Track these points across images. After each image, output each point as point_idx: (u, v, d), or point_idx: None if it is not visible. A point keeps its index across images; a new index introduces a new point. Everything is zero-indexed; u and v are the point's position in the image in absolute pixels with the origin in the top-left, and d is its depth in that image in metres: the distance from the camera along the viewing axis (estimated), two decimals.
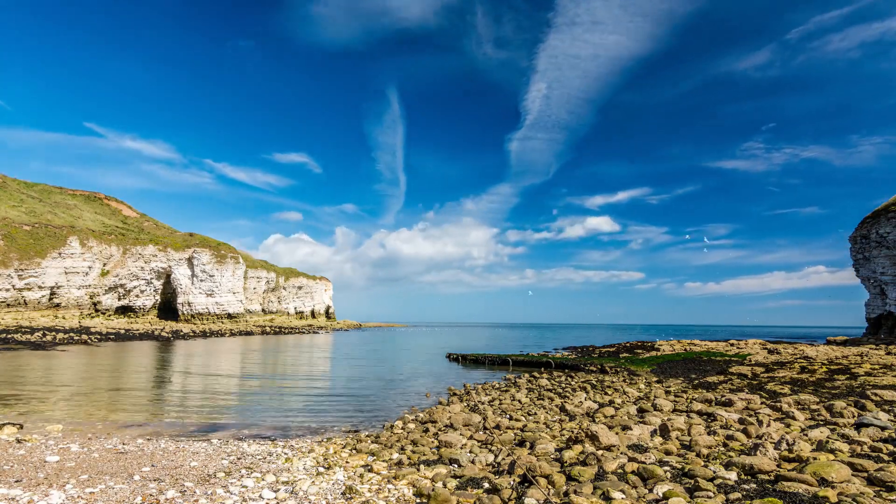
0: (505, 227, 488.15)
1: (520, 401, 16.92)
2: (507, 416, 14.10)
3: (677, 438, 10.24)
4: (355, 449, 10.30)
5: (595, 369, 29.09)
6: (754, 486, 6.86)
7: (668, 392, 18.53)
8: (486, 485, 7.40)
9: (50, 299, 69.73)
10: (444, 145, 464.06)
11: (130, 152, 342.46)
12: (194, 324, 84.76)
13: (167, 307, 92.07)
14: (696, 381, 21.40)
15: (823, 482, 6.76)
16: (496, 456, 9.14)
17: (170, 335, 60.61)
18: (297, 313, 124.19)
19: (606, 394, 18.55)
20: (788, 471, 7.24)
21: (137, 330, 65.63)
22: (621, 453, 8.80)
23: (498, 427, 12.24)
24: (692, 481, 7.02)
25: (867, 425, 10.44)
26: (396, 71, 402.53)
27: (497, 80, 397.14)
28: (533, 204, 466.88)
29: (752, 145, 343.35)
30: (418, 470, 8.43)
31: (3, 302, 63.53)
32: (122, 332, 60.74)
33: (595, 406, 14.83)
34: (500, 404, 16.19)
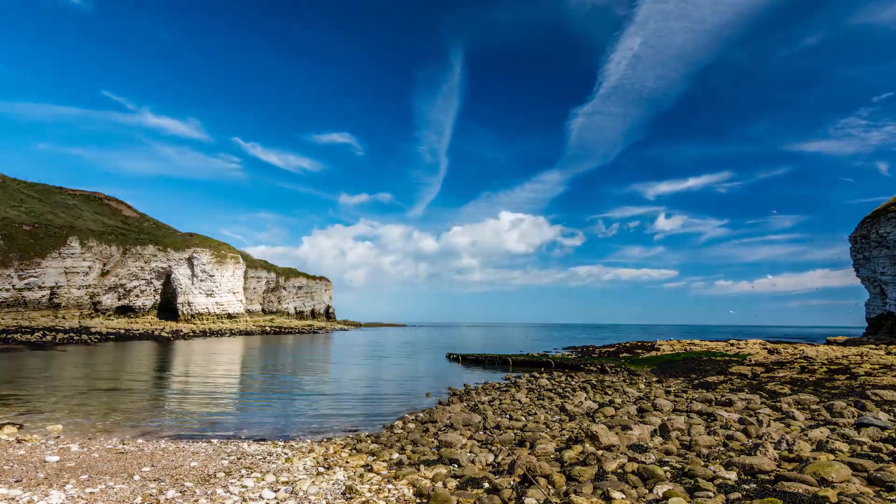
0: (544, 219, 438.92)
1: (520, 401, 16.91)
2: (507, 416, 14.10)
3: (677, 438, 10.24)
4: (355, 449, 10.30)
5: (595, 369, 29.08)
6: (754, 486, 6.86)
7: (668, 392, 18.52)
8: (486, 485, 7.39)
9: (50, 299, 69.69)
10: (499, 123, 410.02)
11: (150, 131, 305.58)
12: (194, 324, 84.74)
13: (167, 307, 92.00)
14: (696, 381, 21.40)
15: (823, 482, 6.76)
16: (496, 456, 9.14)
17: (170, 335, 60.58)
18: (297, 313, 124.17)
19: (606, 394, 18.54)
20: (788, 471, 7.24)
21: (137, 330, 65.61)
22: (621, 453, 8.80)
23: (498, 427, 12.23)
24: (692, 481, 7.02)
25: (867, 425, 10.44)
26: (466, 24, 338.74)
27: (581, 35, 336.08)
28: (582, 193, 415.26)
29: (852, 122, 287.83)
30: (418, 470, 8.42)
31: (3, 302, 63.50)
32: (122, 332, 60.73)
33: (595, 406, 14.83)
34: (500, 404, 16.18)
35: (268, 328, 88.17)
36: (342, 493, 7.26)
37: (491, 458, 9.01)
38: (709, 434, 10.43)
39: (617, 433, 10.18)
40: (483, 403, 16.40)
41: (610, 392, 18.98)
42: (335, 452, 10.01)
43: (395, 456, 9.59)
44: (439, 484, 7.56)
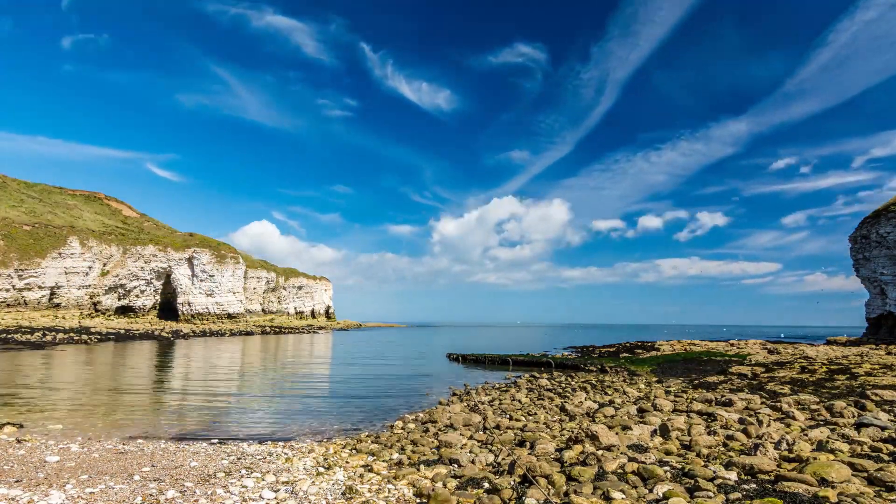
0: (672, 194, 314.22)
1: (520, 401, 16.91)
2: (507, 416, 14.09)
3: (677, 438, 10.24)
4: (355, 449, 10.29)
5: (595, 369, 29.08)
6: (754, 486, 6.86)
7: (668, 392, 18.52)
8: (486, 485, 7.39)
9: (50, 299, 69.68)
10: (743, 26, 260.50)
11: (250, 34, 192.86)
12: (194, 324, 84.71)
13: (167, 307, 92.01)
14: (696, 381, 21.39)
15: (823, 482, 6.76)
16: (496, 456, 9.14)
17: (170, 335, 60.58)
18: (297, 313, 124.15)
19: (606, 394, 18.54)
20: (788, 471, 7.24)
21: (137, 330, 65.58)
22: (621, 453, 8.79)
23: (498, 427, 12.23)
24: (692, 481, 7.02)
25: (867, 425, 10.44)
26: None
27: None
28: (753, 157, 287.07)
29: None
30: (418, 470, 8.42)
31: (3, 302, 63.49)
32: (122, 332, 60.70)
33: (595, 406, 14.82)
34: (500, 404, 16.18)
35: (268, 328, 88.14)
36: (342, 494, 7.26)
37: (491, 458, 9.01)
38: (709, 434, 10.42)
39: (617, 433, 10.17)
40: (483, 403, 16.40)
41: (610, 392, 18.97)
42: (335, 452, 10.01)
43: (395, 456, 9.59)
44: (439, 484, 7.56)
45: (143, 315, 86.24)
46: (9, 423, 11.95)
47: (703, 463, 8.16)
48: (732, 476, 7.27)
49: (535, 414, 14.17)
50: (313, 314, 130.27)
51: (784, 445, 8.77)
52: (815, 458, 7.71)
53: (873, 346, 39.69)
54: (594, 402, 16.00)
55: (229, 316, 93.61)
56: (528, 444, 10.09)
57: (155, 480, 7.77)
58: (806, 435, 9.95)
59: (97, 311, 78.25)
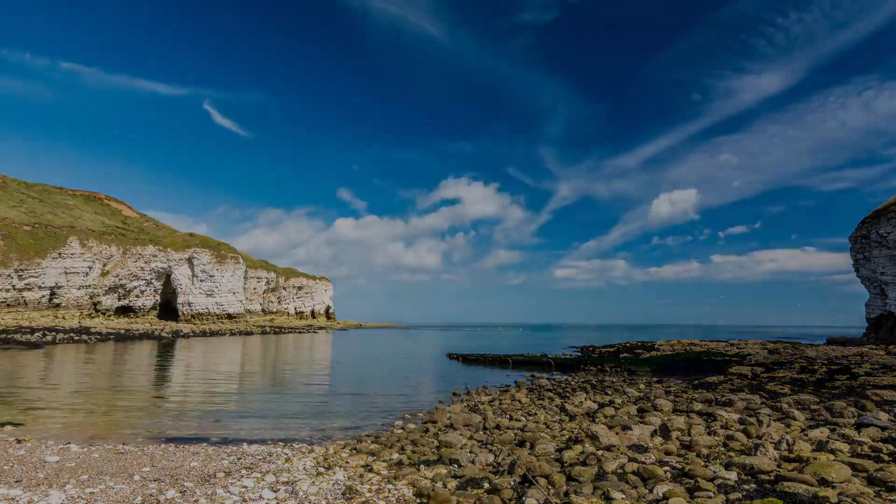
0: (853, 160, 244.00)
1: (520, 401, 16.90)
2: (507, 416, 14.09)
3: (677, 438, 10.23)
4: (355, 449, 10.29)
5: (595, 369, 29.08)
6: (754, 486, 6.86)
7: (668, 392, 18.51)
8: (486, 485, 7.39)
9: (50, 299, 69.68)
10: None
11: None
12: (194, 324, 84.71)
13: (167, 307, 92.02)
14: (696, 381, 21.38)
15: (823, 482, 6.76)
16: (496, 456, 9.14)
17: (170, 335, 60.57)
18: (297, 313, 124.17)
19: (606, 394, 18.53)
20: (788, 471, 7.24)
21: (137, 330, 65.56)
22: (621, 453, 8.79)
23: (498, 427, 12.23)
24: (692, 481, 7.02)
25: (867, 425, 10.44)
26: None
27: None
28: None
29: None
30: (418, 470, 8.42)
31: (3, 302, 63.48)
32: (122, 332, 60.68)
33: (595, 406, 14.82)
34: (500, 404, 16.17)
35: (268, 328, 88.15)
36: (342, 494, 7.26)
37: (491, 458, 9.01)
38: (709, 434, 10.43)
39: (617, 433, 10.17)
40: (483, 403, 16.40)
41: (610, 392, 18.97)
42: (335, 452, 10.01)
43: (395, 456, 9.59)
44: (439, 484, 7.56)
45: (143, 315, 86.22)
46: (9, 423, 11.95)
47: (703, 463, 8.16)
48: (732, 476, 7.27)
49: (535, 414, 14.17)
50: (313, 314, 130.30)
51: (784, 445, 8.77)
52: (815, 459, 7.71)
53: (873, 346, 39.70)
54: (594, 402, 15.99)
55: (229, 316, 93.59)
56: (528, 444, 10.09)
57: (155, 480, 7.77)
58: (806, 435, 9.96)
59: (97, 311, 78.23)
